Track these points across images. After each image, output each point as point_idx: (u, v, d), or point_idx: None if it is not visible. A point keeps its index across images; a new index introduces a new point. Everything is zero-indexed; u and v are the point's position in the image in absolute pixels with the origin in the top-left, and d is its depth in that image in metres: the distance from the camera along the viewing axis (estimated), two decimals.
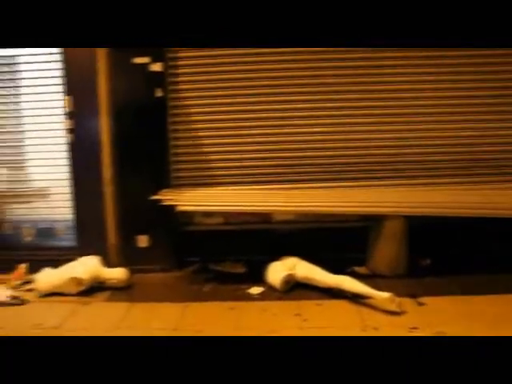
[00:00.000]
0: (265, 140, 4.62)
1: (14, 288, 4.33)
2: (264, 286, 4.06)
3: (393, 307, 3.41)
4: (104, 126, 4.52)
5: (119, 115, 4.51)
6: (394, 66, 4.47)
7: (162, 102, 4.49)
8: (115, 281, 4.22)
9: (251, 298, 3.91)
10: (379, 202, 4.10)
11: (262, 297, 3.92)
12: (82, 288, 4.08)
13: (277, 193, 4.46)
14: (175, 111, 4.60)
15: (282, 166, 4.64)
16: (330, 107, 4.57)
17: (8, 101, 4.90)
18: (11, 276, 4.61)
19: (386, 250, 4.24)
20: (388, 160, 4.59)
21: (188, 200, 4.09)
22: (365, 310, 3.51)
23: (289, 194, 4.40)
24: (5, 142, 4.90)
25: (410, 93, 4.52)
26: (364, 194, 4.31)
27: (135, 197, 4.51)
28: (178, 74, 4.56)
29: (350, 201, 4.11)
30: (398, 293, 3.53)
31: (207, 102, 4.59)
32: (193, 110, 4.60)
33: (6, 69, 4.81)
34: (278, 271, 4.03)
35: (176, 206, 4.09)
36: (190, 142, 4.65)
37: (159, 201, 4.17)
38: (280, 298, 3.85)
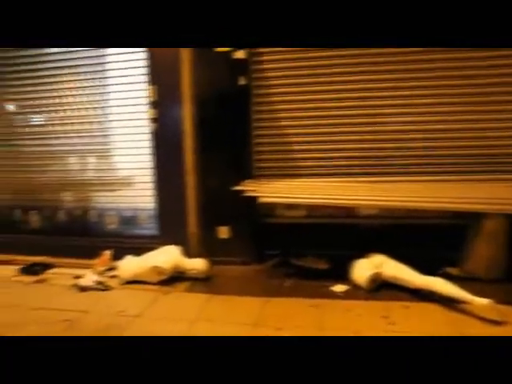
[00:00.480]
0: (350, 130, 4.54)
1: (99, 274, 4.65)
2: (348, 284, 4.02)
3: (493, 316, 3.21)
4: (187, 115, 4.68)
5: (202, 104, 4.65)
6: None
7: (246, 90, 4.56)
8: (195, 271, 4.38)
9: (335, 295, 3.88)
10: (475, 197, 3.87)
11: (346, 295, 3.88)
12: (163, 277, 4.28)
13: (362, 186, 4.37)
14: (258, 99, 4.66)
15: (368, 158, 4.54)
16: (419, 97, 4.37)
17: (95, 92, 5.21)
18: (97, 262, 4.96)
19: (484, 251, 4.01)
20: (485, 152, 4.31)
21: (270, 191, 4.14)
22: (459, 317, 3.33)
23: (375, 187, 4.29)
24: (93, 132, 5.24)
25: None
26: (457, 190, 4.09)
27: (217, 187, 4.64)
28: (261, 62, 4.60)
29: (442, 196, 3.92)
30: (497, 299, 3.30)
31: (291, 90, 4.59)
32: (276, 99, 4.62)
33: (93, 61, 5.13)
34: (364, 269, 3.97)
35: (258, 197, 4.15)
36: (274, 132, 4.68)
37: (241, 192, 4.25)
38: (366, 298, 3.79)
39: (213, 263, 4.53)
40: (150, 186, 4.94)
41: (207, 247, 4.76)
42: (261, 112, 4.68)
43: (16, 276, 4.86)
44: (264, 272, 4.58)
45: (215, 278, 4.45)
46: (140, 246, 4.90)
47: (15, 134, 5.61)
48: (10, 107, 5.57)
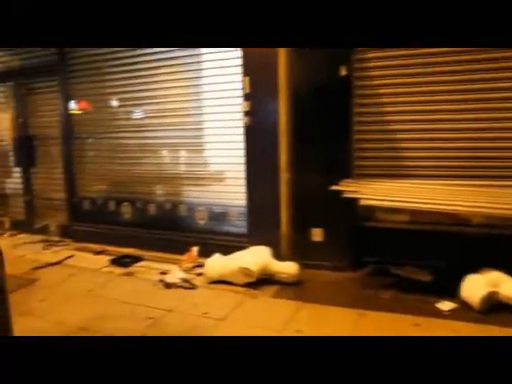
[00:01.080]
0: (463, 127, 4.17)
1: (186, 270, 4.76)
2: (457, 302, 3.70)
3: None
4: (282, 108, 4.62)
5: (298, 96, 4.56)
6: None
7: (347, 81, 4.39)
8: (285, 275, 4.31)
9: (440, 314, 3.60)
10: None
11: (453, 314, 3.58)
12: (251, 280, 4.26)
13: (477, 190, 3.99)
14: (361, 92, 4.47)
15: (483, 159, 4.14)
16: None
17: (190, 84, 5.33)
18: (184, 258, 5.08)
19: None
20: None
21: (372, 193, 3.92)
22: None
23: (485, 191, 3.89)
24: (186, 125, 5.37)
25: None
26: None
27: (312, 185, 4.54)
28: (365, 50, 4.39)
29: None
30: None
31: (398, 82, 4.33)
32: (381, 91, 4.40)
33: (188, 53, 5.24)
34: (477, 286, 3.63)
35: (358, 199, 3.96)
36: (377, 127, 4.46)
37: (339, 192, 4.08)
38: (476, 320, 3.44)
39: (303, 267, 4.44)
40: (242, 181, 4.95)
41: (298, 250, 4.67)
42: (363, 105, 4.48)
43: (107, 267, 5.12)
44: (359, 280, 4.40)
45: (305, 283, 4.35)
46: (228, 244, 4.95)
47: (112, 127, 5.94)
48: (110, 101, 5.89)
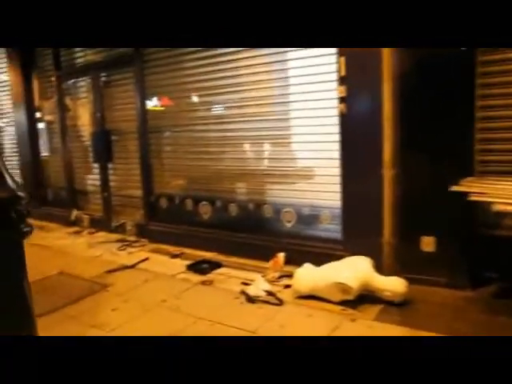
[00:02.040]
0: None
1: (270, 281, 4.18)
2: None
3: None
4: (386, 93, 3.88)
5: (406, 79, 3.81)
6: None
7: (467, 58, 3.55)
8: (389, 293, 3.58)
9: None
10: None
11: None
12: (348, 297, 3.58)
13: None
14: (486, 69, 3.60)
15: None
16: None
17: (273, 68, 4.72)
18: (268, 265, 4.50)
19: None
20: None
21: (507, 195, 3.09)
22: None
23: None
24: (270, 115, 4.76)
25: None
26: None
27: (423, 185, 3.79)
28: None
29: None
30: None
31: None
32: None
33: None
34: None
35: (488, 203, 3.15)
36: (508, 113, 3.59)
37: (458, 193, 3.29)
38: None
39: (410, 282, 3.68)
40: (336, 179, 4.27)
41: (404, 261, 3.92)
42: (489, 86, 3.62)
43: (183, 273, 4.66)
44: (480, 302, 3.59)
45: (414, 303, 3.60)
46: (319, 251, 4.32)
47: (190, 119, 5.47)
48: (188, 91, 5.42)
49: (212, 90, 5.16)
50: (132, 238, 6.04)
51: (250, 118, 4.91)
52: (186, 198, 5.60)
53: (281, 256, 4.54)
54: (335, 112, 4.20)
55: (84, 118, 6.78)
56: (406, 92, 3.83)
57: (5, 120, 8.36)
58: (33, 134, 7.66)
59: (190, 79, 5.33)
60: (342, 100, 4.10)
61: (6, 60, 7.82)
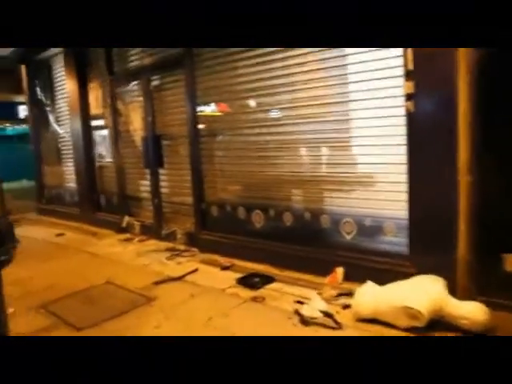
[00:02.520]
0: None
1: (328, 300, 3.76)
2: None
3: None
4: (461, 89, 3.38)
5: (488, 71, 3.29)
6: None
7: None
8: (466, 322, 3.07)
9: None
10: None
11: None
12: (418, 324, 3.10)
13: None
14: None
15: None
16: None
17: (331, 65, 4.29)
18: (325, 281, 4.11)
19: None
20: None
21: None
22: None
23: None
24: (327, 117, 4.36)
25: None
26: None
27: (507, 194, 3.24)
28: None
29: None
30: None
31: None
32: None
33: None
34: None
35: None
36: None
37: None
38: None
39: (491, 307, 3.15)
40: (402, 187, 3.80)
41: (483, 282, 3.39)
42: None
43: (233, 287, 4.32)
44: None
45: (496, 334, 3.06)
46: (381, 268, 3.87)
47: (243, 122, 5.16)
48: (240, 93, 5.10)
49: (266, 90, 4.81)
50: (182, 247, 5.80)
51: (306, 120, 4.52)
52: (238, 205, 5.28)
53: (339, 271, 4.12)
54: (401, 111, 3.74)
55: (135, 122, 6.64)
56: (486, 87, 3.31)
57: (63, 127, 8.43)
58: (87, 140, 7.64)
59: (243, 79, 5.02)
60: (409, 97, 3.64)
61: (64, 69, 7.89)
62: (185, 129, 5.70)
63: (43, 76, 8.83)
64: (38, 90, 9.12)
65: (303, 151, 4.68)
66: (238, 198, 5.31)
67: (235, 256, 5.08)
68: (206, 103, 5.51)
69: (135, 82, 6.54)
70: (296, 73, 4.51)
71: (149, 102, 6.25)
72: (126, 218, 6.93)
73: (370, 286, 3.50)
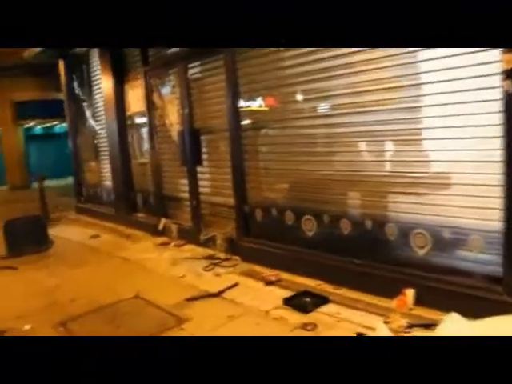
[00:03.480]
0: None
1: (397, 332, 3.00)
2: None
3: None
4: None
5: None
6: None
7: None
8: None
9: None
10: None
11: None
12: None
13: None
14: None
15: None
16: None
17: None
18: (392, 304, 3.35)
19: None
20: None
21: None
22: None
23: None
24: (392, 104, 3.57)
25: None
26: None
27: None
28: None
29: None
30: None
31: None
32: None
33: None
34: None
35: None
36: None
37: None
38: None
39: None
40: (494, 190, 2.99)
41: None
42: None
43: (278, 308, 3.62)
44: None
45: None
46: (466, 292, 3.09)
47: (290, 112, 4.43)
48: (287, 79, 4.37)
49: (318, 74, 4.05)
50: (222, 255, 5.15)
51: (367, 109, 3.74)
52: (286, 209, 4.56)
53: (409, 293, 3.35)
54: (494, 94, 2.92)
55: (172, 115, 6.04)
56: None
57: (100, 123, 7.98)
58: (123, 136, 7.13)
59: (291, 62, 4.28)
60: (508, 74, 2.82)
61: (99, 62, 7.43)
62: (225, 121, 5.04)
63: (80, 70, 8.45)
64: (75, 85, 8.76)
65: (364, 146, 3.91)
66: (286, 201, 4.59)
67: (282, 268, 4.39)
68: (249, 92, 4.80)
69: (171, 71, 5.92)
70: (355, 52, 3.74)
71: (186, 92, 5.61)
72: (163, 221, 6.36)
73: (455, 319, 2.71)
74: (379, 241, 3.74)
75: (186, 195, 5.94)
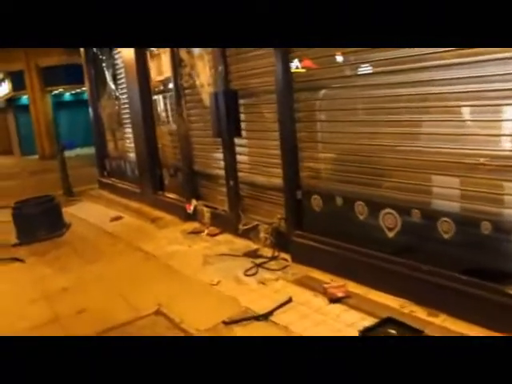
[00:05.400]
0: None
1: None
2: None
3: None
4: None
5: None
6: None
7: None
8: None
9: None
10: None
11: None
12: None
13: None
14: None
15: None
16: None
17: None
18: None
19: None
20: None
21: None
22: None
23: None
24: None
25: None
26: None
27: None
28: None
29: None
30: None
31: None
32: None
33: None
34: None
35: None
36: None
37: None
38: None
39: None
40: None
41: None
42: None
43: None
44: None
45: None
46: None
47: (360, 64, 3.19)
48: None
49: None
50: (266, 252, 4.06)
51: (471, 59, 2.50)
52: (355, 199, 3.36)
53: None
54: None
55: (203, 74, 4.85)
56: None
57: (121, 86, 6.87)
58: (147, 101, 6.01)
59: None
60: None
61: None
62: (272, 80, 3.84)
63: None
64: None
65: (467, 113, 2.67)
66: (355, 188, 3.38)
67: (348, 276, 3.28)
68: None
69: None
70: None
71: None
72: (194, 202, 5.29)
73: None
74: (500, 251, 2.53)
75: (221, 172, 4.81)
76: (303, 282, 3.41)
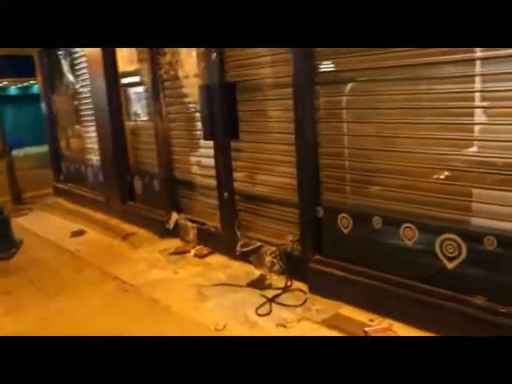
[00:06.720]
0: None
1: None
2: None
3: None
4: None
5: None
6: None
7: None
8: None
9: None
10: None
11: None
12: None
13: None
14: None
15: None
16: None
17: None
18: None
19: None
20: None
21: None
22: None
23: None
24: None
25: None
26: None
27: None
28: None
29: None
30: None
31: None
32: None
33: None
34: None
35: None
36: None
37: None
38: None
39: None
40: None
41: None
42: None
43: None
44: None
45: None
46: None
47: (400, 53, 2.54)
48: None
49: None
50: (275, 280, 3.36)
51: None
52: (404, 221, 2.70)
53: None
54: None
55: (188, 64, 4.08)
56: None
57: (82, 77, 5.97)
58: (114, 96, 5.16)
59: None
60: None
61: None
62: (284, 70, 3.13)
63: None
64: None
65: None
66: (401, 206, 2.72)
67: (391, 315, 2.63)
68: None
69: None
70: None
71: None
72: (175, 216, 4.52)
73: None
74: None
75: (211, 182, 4.06)
76: (336, 325, 2.73)
